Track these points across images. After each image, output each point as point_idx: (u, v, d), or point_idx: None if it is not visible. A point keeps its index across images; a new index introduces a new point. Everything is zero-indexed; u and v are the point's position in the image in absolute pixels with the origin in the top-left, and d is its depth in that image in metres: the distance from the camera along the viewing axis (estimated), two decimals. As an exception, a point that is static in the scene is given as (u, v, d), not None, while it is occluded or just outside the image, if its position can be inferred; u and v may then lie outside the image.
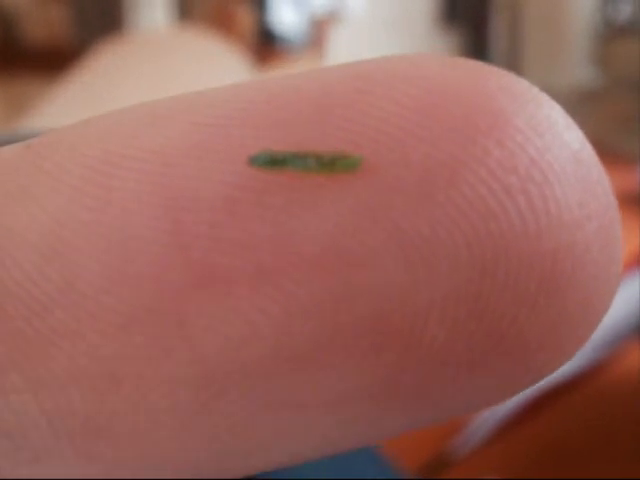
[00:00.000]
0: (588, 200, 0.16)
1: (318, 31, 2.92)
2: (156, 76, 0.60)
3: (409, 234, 0.15)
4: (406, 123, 0.15)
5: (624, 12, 3.07)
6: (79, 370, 0.16)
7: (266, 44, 2.75)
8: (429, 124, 0.15)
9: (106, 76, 0.60)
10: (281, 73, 0.17)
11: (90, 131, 0.17)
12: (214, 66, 0.65)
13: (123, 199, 0.16)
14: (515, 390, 0.17)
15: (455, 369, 0.16)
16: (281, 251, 0.15)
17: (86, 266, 0.16)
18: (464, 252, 0.15)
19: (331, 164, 0.15)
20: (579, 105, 3.07)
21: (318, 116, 0.16)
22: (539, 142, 0.15)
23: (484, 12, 3.29)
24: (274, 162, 0.15)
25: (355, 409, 0.17)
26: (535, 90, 0.16)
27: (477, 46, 3.35)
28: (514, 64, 3.31)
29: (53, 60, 1.67)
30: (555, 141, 0.15)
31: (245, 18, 2.61)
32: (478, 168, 0.15)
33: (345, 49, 3.02)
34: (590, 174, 0.16)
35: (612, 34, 3.10)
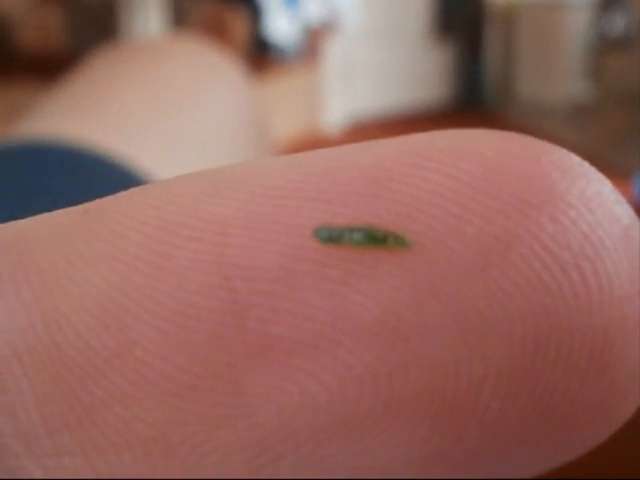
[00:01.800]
0: (638, 275, 0.16)
1: (312, 41, 2.93)
2: (150, 83, 0.60)
3: (464, 307, 0.15)
4: (460, 197, 0.15)
5: (618, 26, 3.09)
6: (132, 435, 0.16)
7: (260, 53, 2.75)
8: (483, 199, 0.15)
9: (100, 83, 0.60)
10: (338, 146, 0.17)
11: (147, 198, 0.17)
12: (208, 74, 0.65)
13: (180, 267, 0.16)
14: (561, 460, 0.17)
15: (506, 440, 0.16)
16: (337, 322, 0.15)
17: (142, 332, 0.16)
18: (518, 326, 0.15)
19: (384, 240, 0.15)
20: (573, 118, 3.08)
21: (373, 190, 0.16)
22: (591, 218, 0.15)
23: (478, 25, 3.30)
24: (331, 237, 0.16)
25: (405, 475, 0.17)
26: (585, 166, 0.16)
27: (471, 58, 3.36)
28: (508, 77, 3.32)
29: (47, 66, 1.67)
30: (606, 216, 0.15)
31: (239, 27, 2.62)
32: (532, 243, 0.15)
33: (339, 59, 3.03)
34: (639, 249, 0.16)
35: (606, 48, 3.11)
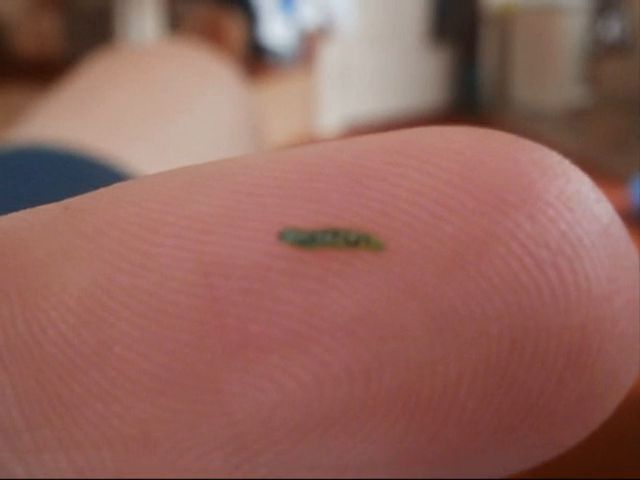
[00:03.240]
0: (617, 274, 0.16)
1: (308, 46, 2.93)
2: (145, 87, 0.60)
3: (441, 306, 0.15)
4: (439, 196, 0.15)
5: (613, 31, 3.09)
6: (112, 431, 0.16)
7: (256, 58, 2.75)
8: (461, 197, 0.15)
9: (96, 87, 0.60)
10: (316, 143, 0.17)
11: (129, 195, 0.17)
12: (203, 78, 0.65)
13: (160, 264, 0.16)
14: (538, 460, 0.17)
15: (483, 439, 0.16)
16: (314, 320, 0.15)
17: (123, 330, 0.16)
18: (495, 325, 0.15)
19: (355, 243, 0.15)
20: (568, 123, 3.08)
21: (351, 188, 0.16)
22: (570, 216, 0.15)
23: (474, 29, 3.30)
24: (301, 241, 0.16)
25: (383, 474, 0.17)
26: (565, 164, 0.16)
27: (466, 63, 3.37)
28: (503, 81, 3.32)
29: (44, 71, 1.67)
30: (585, 215, 0.15)
31: (235, 31, 2.62)
32: (510, 242, 0.15)
33: (335, 64, 3.03)
34: (619, 248, 0.16)
35: (601, 53, 3.12)
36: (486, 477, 0.17)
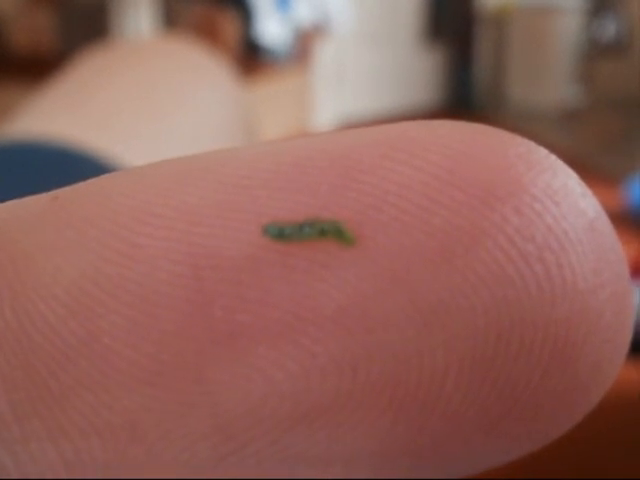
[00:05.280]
0: (602, 268, 0.16)
1: (303, 44, 2.94)
2: (139, 83, 0.60)
3: (428, 298, 0.15)
4: (427, 189, 0.15)
5: (609, 31, 3.10)
6: (101, 421, 0.16)
7: (251, 56, 2.76)
8: (449, 191, 0.15)
9: (89, 82, 0.60)
10: (309, 135, 0.17)
11: (118, 186, 0.17)
12: (197, 75, 0.65)
13: (149, 255, 0.16)
14: (524, 451, 0.17)
15: (469, 431, 0.16)
16: (302, 311, 0.15)
17: (110, 320, 0.16)
18: (481, 317, 0.15)
19: (326, 233, 0.15)
20: (563, 123, 3.09)
21: (342, 180, 0.16)
22: (556, 210, 0.15)
23: (469, 29, 3.31)
24: (281, 234, 0.16)
25: (370, 465, 0.17)
26: (552, 158, 0.16)
27: (462, 62, 3.37)
28: (498, 81, 3.33)
29: (38, 67, 1.67)
30: (571, 209, 0.15)
31: (230, 29, 2.62)
32: (497, 235, 0.15)
33: (330, 62, 3.04)
34: (604, 242, 0.16)
35: (597, 53, 3.13)
36: (472, 468, 0.17)
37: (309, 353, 0.15)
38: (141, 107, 0.56)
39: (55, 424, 0.16)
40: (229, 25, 2.58)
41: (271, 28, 2.71)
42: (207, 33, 2.37)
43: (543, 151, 0.16)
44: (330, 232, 0.15)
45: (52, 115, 0.53)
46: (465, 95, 3.16)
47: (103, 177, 0.17)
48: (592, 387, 0.16)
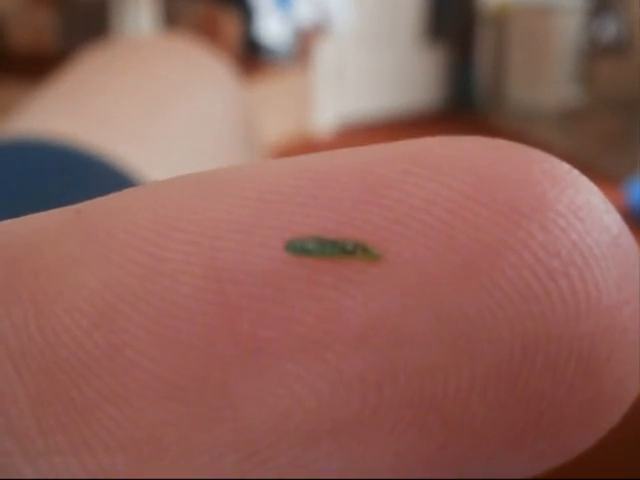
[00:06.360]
0: (626, 284, 0.16)
1: (304, 43, 2.93)
2: (140, 82, 0.60)
3: (453, 314, 0.15)
4: (452, 205, 0.16)
5: (609, 32, 3.10)
6: (124, 435, 0.16)
7: (252, 55, 2.75)
8: (474, 207, 0.15)
9: (90, 81, 0.60)
10: (331, 150, 0.17)
11: (141, 200, 0.17)
12: (198, 74, 0.65)
13: (172, 269, 0.16)
14: (546, 466, 0.17)
15: (493, 446, 0.16)
16: (328, 327, 0.15)
17: (135, 334, 0.16)
18: (506, 333, 0.15)
19: (352, 252, 0.15)
20: (563, 123, 3.09)
21: (365, 195, 0.16)
22: (580, 226, 0.15)
23: (469, 29, 3.31)
24: (303, 251, 0.15)
25: None
26: (575, 174, 0.16)
27: (462, 62, 3.37)
28: (499, 81, 3.33)
29: (39, 66, 1.66)
30: (595, 225, 0.16)
31: (231, 28, 2.62)
32: (522, 251, 0.15)
33: (331, 62, 3.03)
34: (628, 258, 0.16)
35: (597, 53, 3.13)
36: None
37: (335, 369, 0.15)
38: (142, 105, 0.56)
39: (79, 438, 0.16)
40: (230, 24, 2.57)
41: (272, 27, 2.71)
42: (208, 32, 2.37)
43: (566, 167, 0.16)
44: (355, 249, 0.15)
45: (53, 113, 0.53)
46: (465, 95, 3.16)
47: (126, 191, 0.17)
48: (616, 402, 0.16)
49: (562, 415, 0.16)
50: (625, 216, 0.16)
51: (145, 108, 0.56)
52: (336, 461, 0.16)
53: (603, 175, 1.89)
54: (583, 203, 0.16)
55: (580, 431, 0.16)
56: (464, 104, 3.14)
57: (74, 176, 0.44)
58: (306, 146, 2.63)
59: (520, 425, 0.16)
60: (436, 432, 0.16)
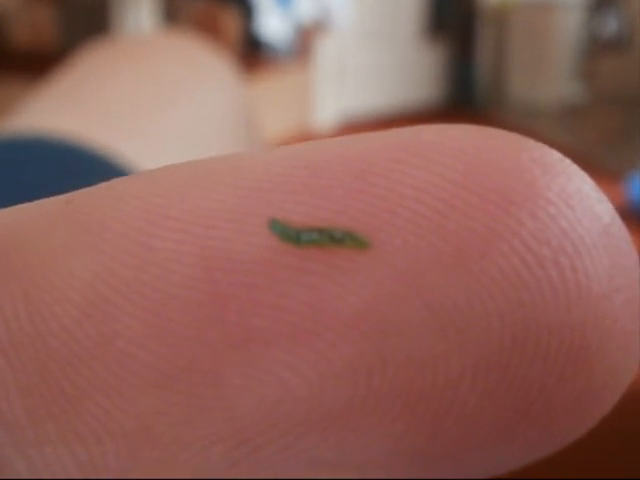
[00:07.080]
0: (617, 273, 0.16)
1: (304, 40, 2.93)
2: (140, 79, 0.60)
3: (443, 303, 0.15)
4: (442, 193, 0.15)
5: (610, 28, 3.10)
6: (114, 425, 0.16)
7: (252, 52, 2.75)
8: (464, 195, 0.15)
9: (90, 78, 0.60)
10: (322, 139, 0.17)
11: (132, 189, 0.17)
12: (199, 71, 0.65)
13: (163, 258, 0.16)
14: (539, 454, 0.17)
15: (484, 435, 0.16)
16: (318, 315, 0.15)
17: (125, 323, 0.16)
18: (496, 322, 0.15)
19: (341, 240, 0.15)
20: (564, 119, 3.09)
21: (356, 184, 0.16)
22: (571, 214, 0.15)
23: (470, 25, 3.30)
24: (287, 236, 0.15)
25: (383, 470, 0.17)
26: (567, 162, 0.16)
27: (463, 59, 3.37)
28: (499, 77, 3.32)
29: (40, 63, 1.66)
30: (586, 214, 0.15)
31: (231, 25, 2.61)
32: (512, 239, 0.15)
33: (331, 59, 3.03)
34: (619, 247, 0.16)
35: (598, 49, 3.12)
36: (486, 473, 0.17)
37: (324, 358, 0.15)
38: (142, 103, 0.56)
39: (69, 428, 0.16)
40: (230, 21, 2.57)
41: (272, 24, 2.71)
42: (208, 29, 2.37)
43: (557, 155, 0.16)
44: (344, 237, 0.15)
45: (53, 111, 0.53)
46: (466, 92, 3.16)
47: (117, 180, 0.17)
48: (607, 392, 0.16)
49: (553, 404, 0.16)
50: (626, 211, 0.16)
51: (145, 105, 0.56)
52: (326, 450, 0.16)
53: (604, 171, 1.89)
54: (574, 191, 0.16)
55: (571, 420, 0.16)
56: (465, 101, 3.14)
57: (75, 173, 0.44)
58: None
59: (510, 414, 0.16)
60: (426, 421, 0.16)
